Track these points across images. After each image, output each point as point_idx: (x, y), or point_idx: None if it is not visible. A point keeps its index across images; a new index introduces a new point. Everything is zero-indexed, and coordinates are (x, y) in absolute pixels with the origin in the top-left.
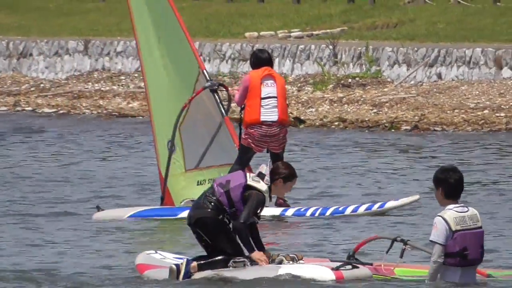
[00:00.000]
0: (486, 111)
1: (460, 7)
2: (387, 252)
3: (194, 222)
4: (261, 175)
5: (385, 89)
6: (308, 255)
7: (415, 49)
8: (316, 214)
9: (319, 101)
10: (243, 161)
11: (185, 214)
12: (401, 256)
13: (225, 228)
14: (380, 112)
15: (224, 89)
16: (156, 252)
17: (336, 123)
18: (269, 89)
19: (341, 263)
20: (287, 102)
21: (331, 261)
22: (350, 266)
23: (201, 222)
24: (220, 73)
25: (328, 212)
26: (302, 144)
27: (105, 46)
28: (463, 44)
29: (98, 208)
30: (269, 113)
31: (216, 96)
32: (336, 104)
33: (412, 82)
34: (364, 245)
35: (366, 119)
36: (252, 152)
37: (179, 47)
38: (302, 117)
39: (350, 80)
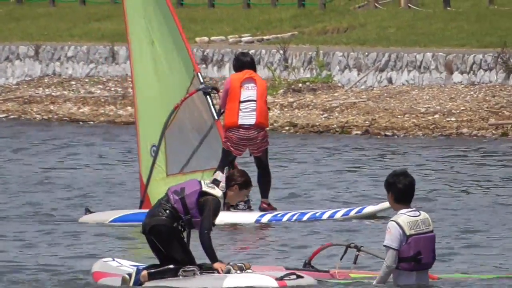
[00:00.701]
0: (436, 116)
1: (411, 11)
2: (341, 258)
3: (148, 230)
4: (216, 182)
5: (336, 94)
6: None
7: (366, 53)
8: (293, 219)
9: (269, 106)
10: (224, 165)
11: None
12: (355, 262)
13: (178, 236)
14: (331, 117)
15: (217, 93)
16: (114, 260)
17: (287, 128)
18: (249, 92)
19: (286, 272)
20: (268, 106)
21: (286, 269)
22: (294, 276)
23: (156, 229)
24: None
25: (305, 217)
26: None
27: (55, 51)
28: (413, 48)
29: (87, 211)
30: (247, 117)
31: (209, 99)
32: (286, 109)
33: (363, 87)
34: (319, 253)
35: (317, 123)
36: (232, 156)
37: (174, 50)
38: None
39: (300, 85)
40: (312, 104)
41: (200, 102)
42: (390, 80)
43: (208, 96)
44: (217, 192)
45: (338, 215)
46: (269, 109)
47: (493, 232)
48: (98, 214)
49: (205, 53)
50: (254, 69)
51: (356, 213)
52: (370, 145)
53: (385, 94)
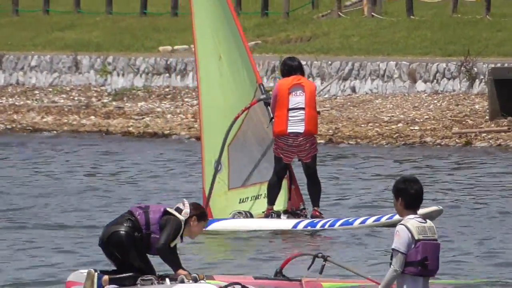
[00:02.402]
0: (400, 125)
1: (374, 20)
2: (308, 268)
3: (108, 237)
4: (178, 210)
5: None
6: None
7: (329, 62)
8: (326, 226)
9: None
10: (277, 171)
11: (219, 225)
12: (321, 272)
13: (138, 245)
14: None
15: None
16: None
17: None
18: (297, 98)
19: (230, 282)
20: (318, 110)
21: (255, 278)
22: (239, 286)
23: (116, 236)
24: (134, 87)
25: (338, 224)
26: None
27: (19, 61)
28: (377, 57)
29: None
30: (296, 125)
31: (269, 109)
32: None
33: (326, 96)
34: (289, 262)
35: None
36: (283, 162)
37: (239, 62)
38: None
39: None
40: None
41: (262, 114)
42: (353, 89)
43: (268, 107)
44: (180, 217)
45: (370, 221)
46: (318, 113)
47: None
48: None
49: (168, 62)
50: (303, 73)
51: (387, 219)
52: (333, 153)
53: (349, 103)
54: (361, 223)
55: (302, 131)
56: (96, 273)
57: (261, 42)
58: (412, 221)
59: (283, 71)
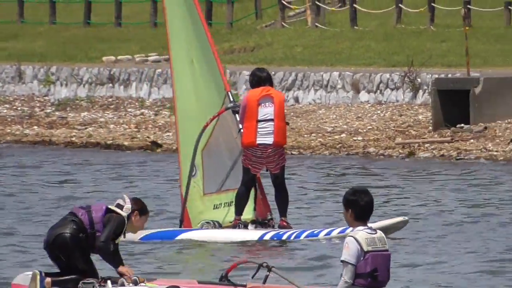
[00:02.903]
0: (343, 135)
1: (318, 30)
2: (252, 276)
3: (53, 240)
4: (120, 206)
5: None
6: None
7: (273, 73)
8: (292, 238)
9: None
10: (245, 182)
11: (186, 235)
12: (264, 282)
13: (83, 246)
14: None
15: None
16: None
17: None
18: (266, 110)
19: (168, 286)
20: (286, 121)
21: (199, 282)
22: None
23: (61, 238)
24: (77, 97)
25: (303, 236)
26: (156, 168)
27: None
28: (320, 67)
29: None
30: (265, 137)
31: (237, 117)
32: None
33: None
34: (235, 268)
35: None
36: (251, 173)
37: (209, 69)
38: (159, 141)
39: None
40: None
41: (231, 121)
42: (297, 99)
43: (237, 115)
44: (122, 213)
45: (335, 233)
46: (287, 123)
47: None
48: (150, 231)
49: (112, 72)
50: (271, 84)
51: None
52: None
53: (292, 113)
54: (326, 234)
55: (271, 143)
56: (38, 275)
57: None
58: (361, 233)
59: (252, 82)
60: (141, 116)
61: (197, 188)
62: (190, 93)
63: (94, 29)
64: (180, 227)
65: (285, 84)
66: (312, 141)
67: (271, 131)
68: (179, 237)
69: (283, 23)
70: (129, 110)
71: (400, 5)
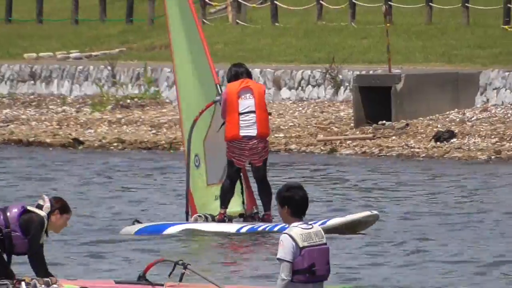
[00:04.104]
0: None
1: (239, 27)
2: (169, 275)
3: None
4: (39, 206)
5: (164, 110)
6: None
7: None
8: (267, 229)
9: (97, 122)
10: (230, 175)
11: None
12: (180, 280)
13: None
14: (159, 133)
15: None
16: None
17: (115, 144)
18: (247, 102)
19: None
20: (268, 111)
21: (116, 282)
22: None
23: None
24: None
25: (276, 228)
26: (80, 166)
27: None
28: None
29: (136, 221)
30: (248, 128)
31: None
32: (115, 125)
33: None
34: (152, 267)
35: (145, 140)
36: (235, 166)
37: (203, 61)
38: (81, 138)
39: (129, 101)
40: (141, 120)
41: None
42: None
43: None
44: (41, 212)
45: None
46: (269, 114)
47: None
48: (142, 225)
49: (33, 69)
50: (250, 77)
51: (320, 225)
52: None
53: None
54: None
55: (254, 134)
56: None
57: (126, 49)
58: (296, 229)
59: (229, 77)
60: (63, 113)
61: (201, 179)
62: (191, 91)
63: (15, 26)
64: (187, 219)
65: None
66: None
67: (253, 123)
68: (167, 231)
69: (204, 20)
70: (50, 107)
71: (321, 1)
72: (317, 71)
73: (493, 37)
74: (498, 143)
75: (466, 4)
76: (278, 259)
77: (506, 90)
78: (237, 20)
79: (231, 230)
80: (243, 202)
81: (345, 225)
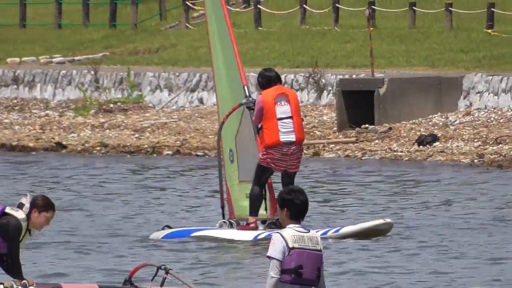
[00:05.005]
0: None
1: None
2: (152, 279)
3: None
4: (21, 205)
5: (147, 114)
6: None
7: (177, 74)
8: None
9: (80, 126)
10: (260, 181)
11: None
12: (162, 285)
13: None
14: (142, 137)
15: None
16: None
17: (98, 148)
18: (283, 108)
19: None
20: (302, 116)
21: (100, 286)
22: None
23: None
24: None
25: None
26: (64, 169)
27: None
28: None
29: (167, 227)
30: (287, 134)
31: (252, 114)
32: (98, 129)
33: (174, 107)
34: (137, 271)
35: (128, 144)
36: (270, 172)
37: (234, 62)
38: (64, 143)
39: (112, 105)
40: (123, 124)
41: (246, 116)
42: (201, 101)
43: (252, 111)
44: (19, 214)
45: (330, 233)
46: (302, 119)
47: None
48: (170, 231)
49: (16, 74)
50: (281, 82)
51: (334, 232)
52: (181, 165)
53: (196, 114)
54: (322, 234)
55: (294, 140)
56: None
57: (109, 54)
58: (289, 230)
59: (262, 83)
60: (46, 117)
61: (235, 174)
62: (226, 92)
63: None
64: (223, 214)
65: (189, 85)
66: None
67: (291, 129)
68: (195, 234)
69: (187, 24)
70: (34, 111)
71: (304, 5)
72: (300, 75)
73: (476, 41)
74: (481, 147)
75: (450, 8)
76: (268, 256)
77: (489, 94)
78: None
79: (248, 238)
80: (266, 208)
81: (359, 233)
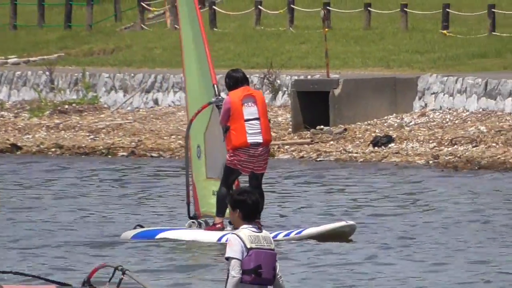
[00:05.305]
0: None
1: (177, 32)
2: (109, 280)
3: None
4: None
5: (102, 115)
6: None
7: (132, 75)
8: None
9: (36, 127)
10: (228, 182)
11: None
12: (118, 286)
13: None
14: (97, 138)
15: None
16: None
17: (53, 150)
18: (250, 109)
19: None
20: (268, 118)
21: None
22: None
23: None
24: None
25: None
26: (15, 171)
27: None
28: (179, 69)
29: (139, 226)
30: (254, 136)
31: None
32: (53, 131)
33: (129, 108)
34: (96, 272)
35: (83, 145)
36: (237, 173)
37: (205, 61)
38: (19, 144)
39: (67, 106)
40: (79, 125)
41: (216, 114)
42: (156, 102)
43: (220, 109)
44: None
45: (280, 237)
46: (269, 121)
47: None
48: (139, 230)
49: None
50: (248, 84)
51: (296, 234)
52: (136, 166)
53: (151, 115)
54: (284, 236)
55: (261, 141)
56: None
57: (64, 55)
58: (245, 230)
59: (229, 84)
60: (1, 118)
61: (202, 170)
62: (197, 91)
63: None
64: (188, 211)
65: (144, 86)
66: (172, 143)
67: (259, 130)
68: (158, 236)
69: (142, 25)
70: None
71: (259, 6)
72: (255, 76)
73: (432, 42)
74: (436, 148)
75: (405, 9)
76: (227, 258)
77: (444, 95)
78: (176, 25)
79: (213, 239)
80: None
81: (322, 235)
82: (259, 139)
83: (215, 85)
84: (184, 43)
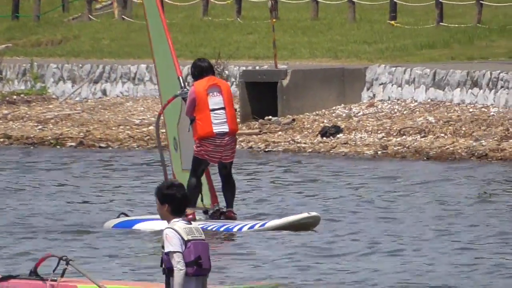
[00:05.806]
0: (151, 127)
1: (125, 23)
2: (54, 270)
3: None
4: None
5: (50, 106)
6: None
7: (80, 65)
8: (214, 229)
9: None
10: (197, 173)
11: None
12: (62, 276)
13: None
14: (45, 129)
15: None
16: None
17: (2, 140)
18: (216, 99)
19: None
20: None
21: (2, 277)
22: None
23: None
24: None
25: (222, 229)
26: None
27: None
28: (127, 60)
29: (123, 214)
30: (220, 125)
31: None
32: (1, 121)
33: (77, 99)
34: (43, 262)
35: (32, 135)
36: (206, 163)
37: (169, 53)
38: None
39: (15, 97)
40: (27, 116)
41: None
42: (104, 92)
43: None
44: None
45: (245, 229)
46: (235, 110)
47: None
48: (120, 220)
49: None
50: (214, 73)
51: (260, 226)
52: (84, 156)
53: (100, 106)
54: (238, 230)
55: (227, 131)
56: None
57: (12, 45)
58: (179, 223)
59: (194, 74)
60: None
61: (178, 162)
62: (166, 84)
63: None
64: None
65: (92, 76)
66: (120, 133)
67: (224, 120)
68: (135, 227)
69: (90, 16)
70: None
71: None
72: None
73: (380, 33)
74: (384, 138)
75: (352, 0)
76: (169, 252)
77: (392, 85)
78: (123, 16)
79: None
80: (201, 199)
81: (285, 227)
82: (225, 128)
83: (180, 77)
84: (152, 35)
